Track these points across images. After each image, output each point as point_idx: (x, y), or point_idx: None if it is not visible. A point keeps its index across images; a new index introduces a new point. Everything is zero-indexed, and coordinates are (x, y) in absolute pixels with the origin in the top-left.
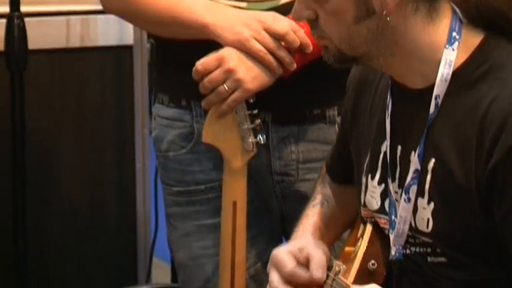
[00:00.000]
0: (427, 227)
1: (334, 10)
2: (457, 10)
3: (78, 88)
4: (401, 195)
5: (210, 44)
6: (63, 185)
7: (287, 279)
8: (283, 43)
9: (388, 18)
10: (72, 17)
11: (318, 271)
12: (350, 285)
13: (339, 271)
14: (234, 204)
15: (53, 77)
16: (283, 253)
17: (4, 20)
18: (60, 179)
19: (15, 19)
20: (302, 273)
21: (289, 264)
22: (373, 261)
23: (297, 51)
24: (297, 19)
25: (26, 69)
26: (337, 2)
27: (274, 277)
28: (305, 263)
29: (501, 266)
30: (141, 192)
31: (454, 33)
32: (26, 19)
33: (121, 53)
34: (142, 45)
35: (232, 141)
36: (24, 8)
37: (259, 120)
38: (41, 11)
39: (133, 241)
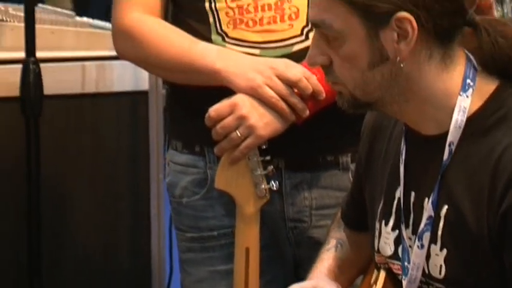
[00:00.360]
0: (440, 273)
1: (348, 55)
2: (472, 57)
3: (93, 133)
4: (414, 241)
5: (224, 90)
6: (78, 231)
7: None
8: (296, 90)
9: (401, 65)
10: (88, 63)
11: None
12: None
13: None
14: (247, 250)
15: (69, 122)
16: None
17: (20, 66)
18: (74, 224)
19: (31, 64)
20: None
21: None
22: None
23: (310, 97)
24: (311, 65)
25: (41, 114)
26: (352, 47)
27: None
28: None
29: None
30: (156, 238)
31: (468, 80)
32: (42, 65)
33: (136, 99)
34: (158, 91)
35: (245, 187)
36: (39, 54)
37: (272, 166)
38: (56, 56)
39: (148, 287)
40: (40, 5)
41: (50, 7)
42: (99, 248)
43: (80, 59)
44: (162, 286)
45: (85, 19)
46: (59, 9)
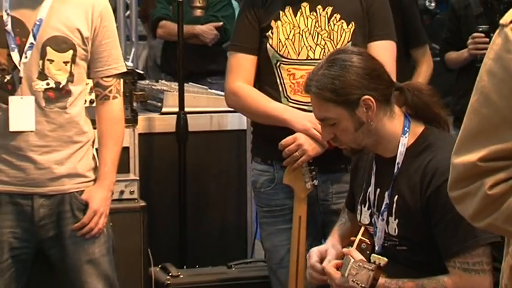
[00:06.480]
0: (395, 232)
1: (342, 129)
2: (407, 114)
3: (218, 154)
4: (379, 216)
5: (287, 129)
6: (212, 211)
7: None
8: None
9: (371, 124)
10: (214, 114)
11: (319, 264)
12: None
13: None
14: (300, 218)
15: (202, 147)
16: (314, 251)
17: (175, 116)
18: (210, 207)
19: (181, 114)
20: (317, 266)
21: (313, 259)
22: (364, 244)
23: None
24: (325, 141)
25: (187, 141)
26: (343, 124)
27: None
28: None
29: (436, 251)
30: (250, 211)
31: (406, 128)
32: (188, 115)
33: (240, 135)
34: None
35: (300, 183)
36: (187, 109)
37: (315, 172)
38: (196, 110)
39: (245, 234)
40: (191, 83)
41: (196, 85)
42: (223, 218)
43: (209, 112)
44: (252, 234)
45: (213, 90)
46: (201, 86)
